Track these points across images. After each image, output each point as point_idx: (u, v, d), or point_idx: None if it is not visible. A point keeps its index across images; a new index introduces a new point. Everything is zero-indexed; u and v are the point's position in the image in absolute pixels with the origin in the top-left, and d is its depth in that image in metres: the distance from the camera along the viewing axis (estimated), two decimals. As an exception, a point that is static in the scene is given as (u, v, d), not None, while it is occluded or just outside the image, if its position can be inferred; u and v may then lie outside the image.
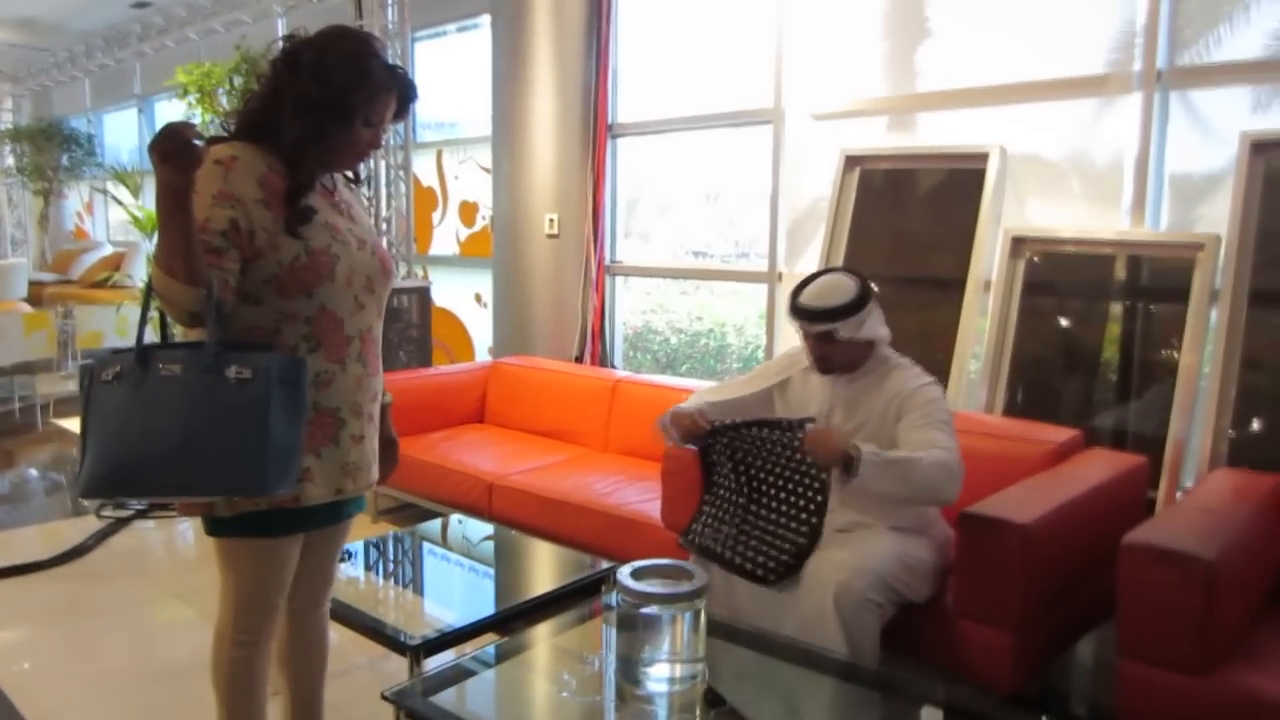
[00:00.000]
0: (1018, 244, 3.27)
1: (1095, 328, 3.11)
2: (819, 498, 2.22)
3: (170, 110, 8.66)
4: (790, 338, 2.78)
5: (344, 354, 1.74)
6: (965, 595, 2.25)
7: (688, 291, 4.91)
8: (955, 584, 2.28)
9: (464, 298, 5.80)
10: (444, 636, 2.21)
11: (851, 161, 3.71)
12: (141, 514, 4.12)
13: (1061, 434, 2.75)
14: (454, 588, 2.73)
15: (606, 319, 4.79)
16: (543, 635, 2.19)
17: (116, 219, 10.43)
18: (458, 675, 1.99)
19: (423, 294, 5.10)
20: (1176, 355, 2.89)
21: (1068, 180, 3.32)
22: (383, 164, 5.20)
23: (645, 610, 1.82)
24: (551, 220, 4.56)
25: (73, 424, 5.88)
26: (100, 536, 3.85)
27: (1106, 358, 3.09)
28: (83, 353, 6.14)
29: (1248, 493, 2.36)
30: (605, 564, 2.67)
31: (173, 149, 1.40)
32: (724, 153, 4.52)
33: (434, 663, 2.13)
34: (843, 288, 2.33)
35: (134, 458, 1.48)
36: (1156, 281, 3.02)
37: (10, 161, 11.02)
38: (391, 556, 2.85)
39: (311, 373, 1.68)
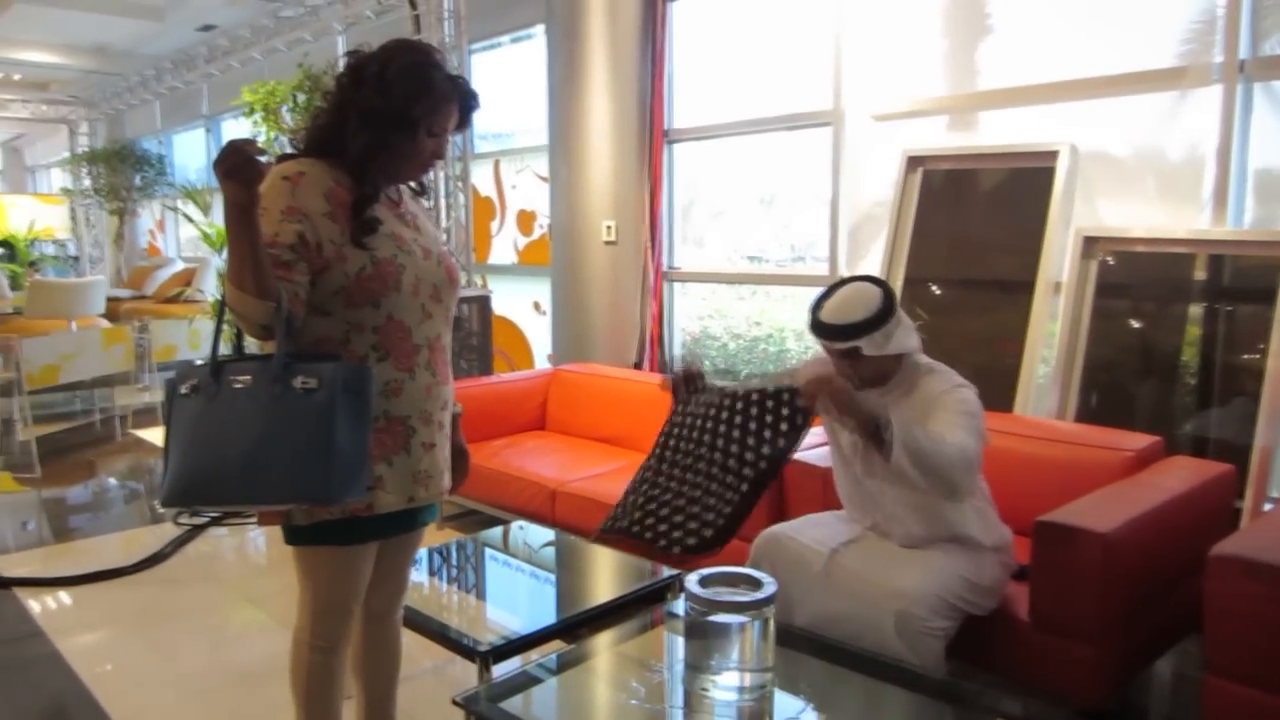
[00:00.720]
0: (1090, 244, 3.18)
1: (1173, 330, 3.00)
2: (781, 449, 2.20)
3: (236, 128, 8.93)
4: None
5: (413, 362, 1.76)
6: (1041, 606, 2.19)
7: (744, 297, 4.88)
8: (1030, 594, 2.21)
9: (523, 306, 5.86)
10: (511, 643, 2.22)
11: (914, 162, 3.65)
12: (216, 521, 4.23)
13: (1141, 440, 2.66)
14: (517, 594, 2.74)
15: (665, 325, 4.78)
16: (606, 643, 2.18)
17: (187, 236, 10.79)
18: (526, 682, 2.00)
19: (483, 303, 5.16)
20: (1262, 359, 2.77)
21: (1140, 177, 3.22)
22: (442, 175, 5.28)
23: (714, 618, 1.80)
24: (609, 227, 4.57)
25: (150, 434, 6.08)
26: (177, 543, 3.97)
27: (1185, 361, 2.97)
28: (165, 366, 6.34)
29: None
30: (666, 571, 2.65)
31: (235, 165, 1.42)
32: (779, 156, 4.49)
33: (501, 669, 2.14)
34: (866, 300, 2.16)
35: (208, 468, 1.52)
36: (1239, 282, 2.90)
37: (87, 183, 11.48)
38: (454, 563, 2.88)
39: (381, 381, 1.71)
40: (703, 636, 1.82)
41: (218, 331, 1.66)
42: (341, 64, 1.75)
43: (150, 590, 3.51)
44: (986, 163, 3.50)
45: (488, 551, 2.98)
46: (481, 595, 2.70)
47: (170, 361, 6.35)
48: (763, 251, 4.71)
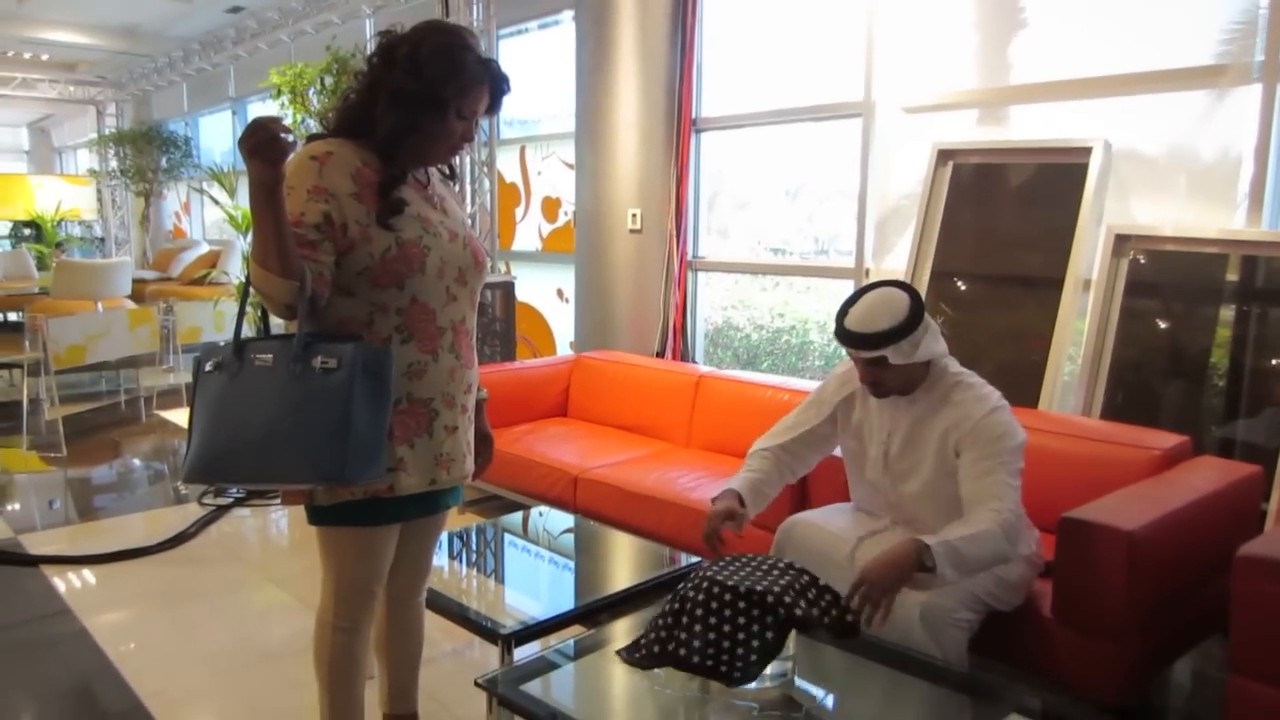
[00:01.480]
0: (1121, 242, 3.14)
1: (1203, 331, 2.96)
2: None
3: (262, 111, 8.94)
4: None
5: (436, 345, 1.76)
6: (1065, 602, 2.17)
7: (767, 288, 4.86)
8: (1054, 591, 2.20)
9: (546, 292, 5.86)
10: (531, 627, 2.23)
11: (944, 155, 3.62)
12: (240, 501, 4.27)
13: (1169, 440, 2.62)
14: (538, 579, 2.75)
15: (688, 315, 4.77)
16: (623, 630, 2.18)
17: (212, 218, 10.86)
18: (546, 666, 2.01)
19: (507, 289, 5.17)
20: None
21: (1172, 176, 3.17)
22: (467, 161, 5.29)
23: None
24: (634, 215, 4.56)
25: (174, 415, 6.14)
26: (201, 524, 4.01)
27: (1214, 362, 2.93)
28: (190, 348, 6.38)
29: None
30: (685, 558, 2.65)
31: (260, 142, 1.41)
32: (805, 147, 4.46)
33: (520, 653, 2.15)
34: (892, 307, 2.09)
35: (228, 445, 1.52)
36: (1273, 284, 2.86)
37: (114, 164, 11.59)
38: (474, 547, 2.89)
39: (404, 363, 1.71)
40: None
41: (241, 310, 1.67)
42: (372, 44, 1.75)
43: (175, 570, 3.55)
44: (1018, 157, 3.46)
45: (507, 537, 2.99)
46: (501, 580, 2.72)
47: (195, 343, 6.39)
48: (786, 244, 4.69)
